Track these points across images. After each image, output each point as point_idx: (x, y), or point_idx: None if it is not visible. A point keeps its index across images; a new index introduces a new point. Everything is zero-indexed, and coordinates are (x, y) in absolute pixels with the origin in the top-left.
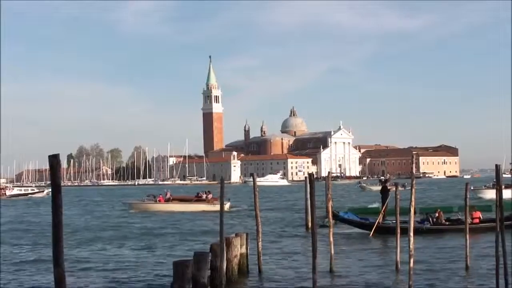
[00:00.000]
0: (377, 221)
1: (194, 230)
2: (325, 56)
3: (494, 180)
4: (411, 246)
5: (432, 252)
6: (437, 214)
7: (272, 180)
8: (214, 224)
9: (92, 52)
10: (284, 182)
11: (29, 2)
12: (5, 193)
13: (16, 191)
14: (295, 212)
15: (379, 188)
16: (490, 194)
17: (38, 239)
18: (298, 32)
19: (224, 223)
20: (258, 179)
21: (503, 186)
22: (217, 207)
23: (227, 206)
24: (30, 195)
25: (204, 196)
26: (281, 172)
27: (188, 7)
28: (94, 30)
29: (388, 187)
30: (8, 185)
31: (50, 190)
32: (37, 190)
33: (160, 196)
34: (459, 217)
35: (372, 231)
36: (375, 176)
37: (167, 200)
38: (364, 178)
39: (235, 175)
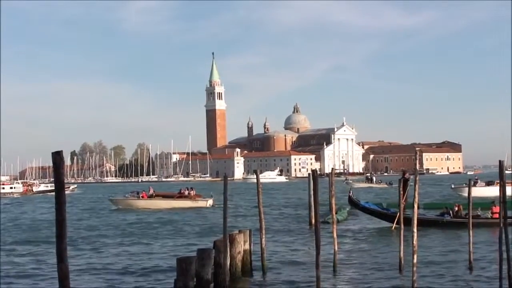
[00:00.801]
0: (399, 212)
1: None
2: (329, 54)
3: (476, 177)
4: (414, 242)
5: (458, 245)
6: (456, 208)
7: (270, 177)
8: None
9: (96, 50)
10: (281, 179)
11: (34, 1)
12: (32, 189)
13: (42, 187)
14: (293, 208)
15: (364, 185)
16: (474, 193)
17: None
18: (301, 30)
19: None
20: (254, 176)
21: (483, 184)
22: (199, 204)
23: (209, 202)
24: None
25: (186, 192)
26: (278, 168)
27: (191, 6)
28: (98, 29)
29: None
30: (35, 181)
31: (75, 186)
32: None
33: (144, 192)
34: (478, 213)
35: (394, 223)
36: (378, 173)
37: (150, 197)
38: (368, 174)
39: (239, 171)
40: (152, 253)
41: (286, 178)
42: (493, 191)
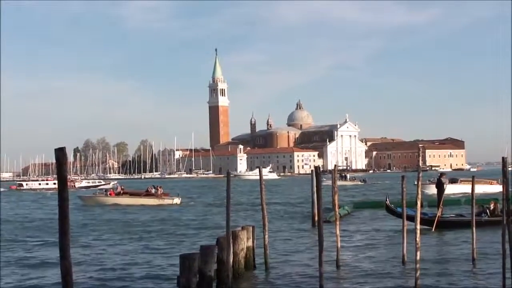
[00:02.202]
0: (438, 215)
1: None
2: (331, 51)
3: (439, 175)
4: (417, 239)
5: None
6: (492, 206)
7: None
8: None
9: (99, 47)
10: (273, 176)
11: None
12: (74, 186)
13: (84, 183)
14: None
15: (344, 183)
16: (433, 190)
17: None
18: (304, 27)
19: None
20: (247, 173)
21: (447, 181)
22: (165, 202)
23: (176, 201)
24: (98, 187)
25: (153, 190)
26: (271, 165)
27: (194, 2)
28: (101, 25)
29: (443, 181)
30: (77, 177)
31: (116, 182)
32: (104, 183)
33: (111, 190)
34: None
35: (434, 226)
36: (381, 169)
37: (118, 194)
38: (371, 171)
39: (241, 168)
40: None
41: (278, 176)
42: (456, 189)
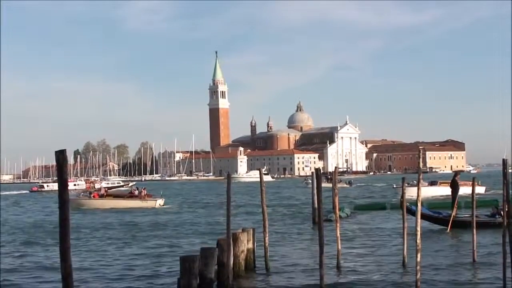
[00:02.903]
0: (452, 215)
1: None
2: (332, 52)
3: (453, 175)
4: (418, 241)
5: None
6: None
7: (255, 176)
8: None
9: (99, 49)
10: (268, 178)
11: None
12: (94, 186)
13: (104, 184)
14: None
15: (330, 185)
16: (412, 192)
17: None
18: (304, 28)
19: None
20: (241, 175)
21: (426, 184)
22: (148, 203)
23: (159, 202)
24: (117, 188)
25: (136, 192)
26: (265, 167)
27: (195, 4)
28: (101, 27)
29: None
30: (97, 178)
31: (135, 183)
32: (123, 184)
33: (95, 192)
34: None
35: (449, 226)
36: (382, 171)
37: (101, 196)
38: (371, 173)
39: (242, 170)
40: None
41: (273, 177)
42: (435, 191)
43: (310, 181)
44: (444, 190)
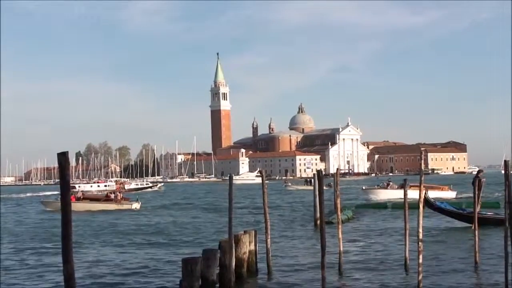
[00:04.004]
0: (476, 212)
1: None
2: (333, 53)
3: (389, 179)
4: (419, 243)
5: None
6: None
7: (249, 178)
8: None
9: (100, 50)
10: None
11: (36, 1)
12: (124, 188)
13: (133, 185)
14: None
15: (301, 187)
16: (382, 195)
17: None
18: (305, 30)
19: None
20: (235, 177)
21: (396, 186)
22: (124, 206)
23: (135, 205)
24: (145, 190)
25: (112, 195)
26: (258, 169)
27: (196, 6)
28: (102, 28)
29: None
30: (126, 179)
31: (162, 184)
32: (151, 184)
33: (72, 195)
34: None
35: (473, 224)
36: (383, 173)
37: (78, 199)
38: (373, 174)
39: (244, 172)
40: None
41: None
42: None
43: (290, 183)
44: (415, 193)
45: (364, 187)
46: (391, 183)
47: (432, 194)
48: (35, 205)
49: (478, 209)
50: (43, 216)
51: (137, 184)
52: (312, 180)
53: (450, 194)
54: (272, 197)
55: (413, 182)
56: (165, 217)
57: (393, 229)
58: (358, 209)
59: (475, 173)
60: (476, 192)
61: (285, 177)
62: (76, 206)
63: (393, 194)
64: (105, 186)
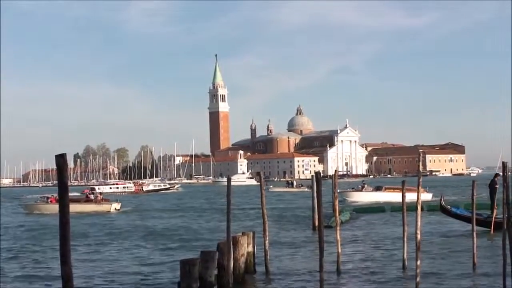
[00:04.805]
0: (493, 216)
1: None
2: (332, 55)
3: (363, 182)
4: (418, 244)
5: None
6: None
7: (239, 180)
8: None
9: (98, 52)
10: (252, 182)
11: (36, 3)
12: (142, 189)
13: (151, 186)
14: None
15: (282, 189)
16: (356, 197)
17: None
18: (304, 31)
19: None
20: (225, 179)
21: (370, 189)
22: (103, 208)
23: (114, 206)
24: (164, 191)
25: (92, 196)
26: (250, 171)
27: (194, 7)
28: (100, 30)
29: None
30: (145, 181)
31: (179, 185)
32: (169, 186)
33: (52, 197)
34: None
35: (492, 227)
36: (382, 175)
37: (58, 201)
38: (371, 176)
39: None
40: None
41: (257, 181)
42: (380, 197)
43: (271, 186)
44: (390, 196)
45: (338, 190)
46: (365, 186)
47: (408, 196)
48: (16, 208)
49: (495, 212)
50: (23, 219)
51: (155, 186)
52: (294, 182)
53: (425, 197)
54: (256, 200)
55: (409, 184)
56: (149, 219)
57: (392, 232)
58: (357, 213)
59: (473, 175)
60: (493, 196)
61: (305, 178)
62: (56, 207)
63: (369, 197)
64: (124, 187)
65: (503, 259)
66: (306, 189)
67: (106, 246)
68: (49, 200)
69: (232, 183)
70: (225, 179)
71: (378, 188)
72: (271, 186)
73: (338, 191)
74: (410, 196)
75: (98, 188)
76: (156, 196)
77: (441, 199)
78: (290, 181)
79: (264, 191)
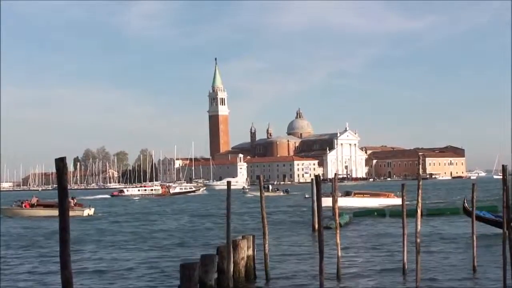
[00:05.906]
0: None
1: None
2: (331, 58)
3: (286, 190)
4: (418, 248)
5: None
6: None
7: (233, 184)
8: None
9: (98, 55)
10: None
11: (36, 6)
12: (169, 191)
13: (178, 189)
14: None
15: (267, 194)
16: (325, 202)
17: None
18: (303, 35)
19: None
20: (216, 182)
21: (340, 194)
22: (76, 213)
23: (87, 212)
24: (189, 193)
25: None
26: (242, 174)
27: (194, 10)
28: (100, 33)
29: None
30: (171, 183)
31: (204, 188)
32: (194, 189)
33: (26, 202)
34: None
35: None
36: (382, 178)
37: (32, 206)
38: (371, 179)
39: (241, 177)
40: None
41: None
42: (349, 202)
43: (248, 190)
44: (359, 201)
45: (306, 195)
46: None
47: (378, 201)
48: None
49: None
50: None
51: (181, 188)
52: (270, 186)
53: (395, 201)
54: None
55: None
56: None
57: (391, 235)
58: (356, 217)
59: (473, 178)
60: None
61: (305, 181)
62: (31, 212)
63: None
64: (151, 190)
65: (503, 261)
66: (281, 193)
67: (105, 249)
68: (23, 205)
69: (223, 187)
70: (213, 183)
71: (347, 194)
72: (247, 190)
73: (306, 196)
74: (381, 201)
75: (127, 190)
76: (181, 199)
77: (464, 202)
78: (266, 186)
79: (243, 195)
